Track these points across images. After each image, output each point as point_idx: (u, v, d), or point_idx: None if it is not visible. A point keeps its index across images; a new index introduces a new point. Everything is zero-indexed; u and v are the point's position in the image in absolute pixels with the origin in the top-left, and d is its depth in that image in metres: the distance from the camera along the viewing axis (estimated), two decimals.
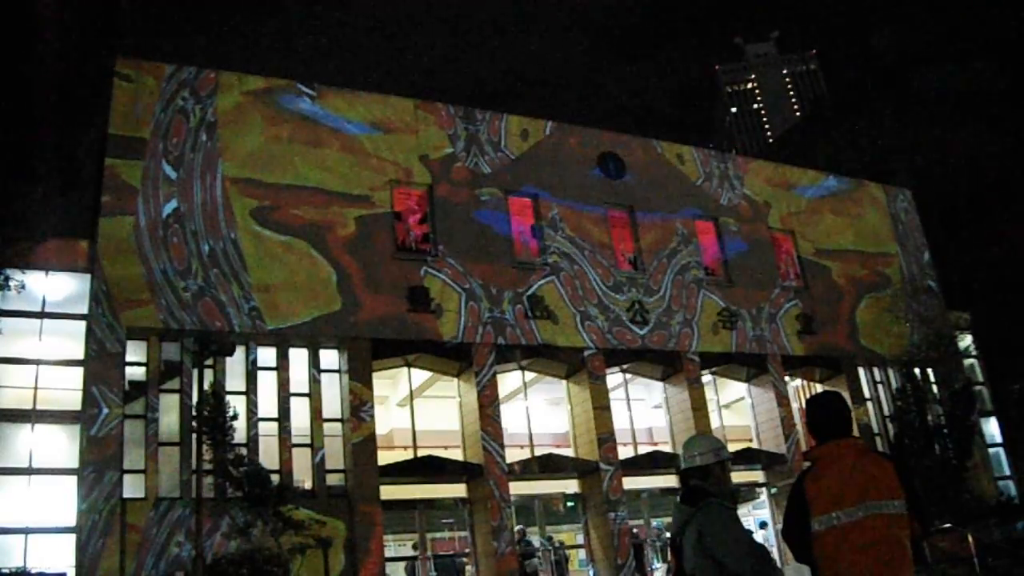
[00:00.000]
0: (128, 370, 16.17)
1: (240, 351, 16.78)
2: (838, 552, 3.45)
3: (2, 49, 13.14)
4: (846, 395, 23.20)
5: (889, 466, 3.54)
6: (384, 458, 17.86)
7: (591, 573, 19.69)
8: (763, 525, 21.60)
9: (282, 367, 17.53)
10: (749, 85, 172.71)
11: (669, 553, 4.47)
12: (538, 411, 21.80)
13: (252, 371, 17.17)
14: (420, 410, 19.62)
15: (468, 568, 18.58)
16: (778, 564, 18.31)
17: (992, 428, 27.30)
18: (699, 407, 21.50)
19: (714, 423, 22.84)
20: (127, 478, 15.34)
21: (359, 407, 17.63)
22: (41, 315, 16.62)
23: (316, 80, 21.24)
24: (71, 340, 16.58)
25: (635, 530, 20.33)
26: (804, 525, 3.58)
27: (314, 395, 17.67)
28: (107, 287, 16.19)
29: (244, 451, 15.90)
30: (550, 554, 19.44)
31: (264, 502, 14.91)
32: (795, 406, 23.51)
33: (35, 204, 14.98)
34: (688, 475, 4.24)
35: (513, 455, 19.38)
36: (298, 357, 17.86)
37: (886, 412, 24.71)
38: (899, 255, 27.69)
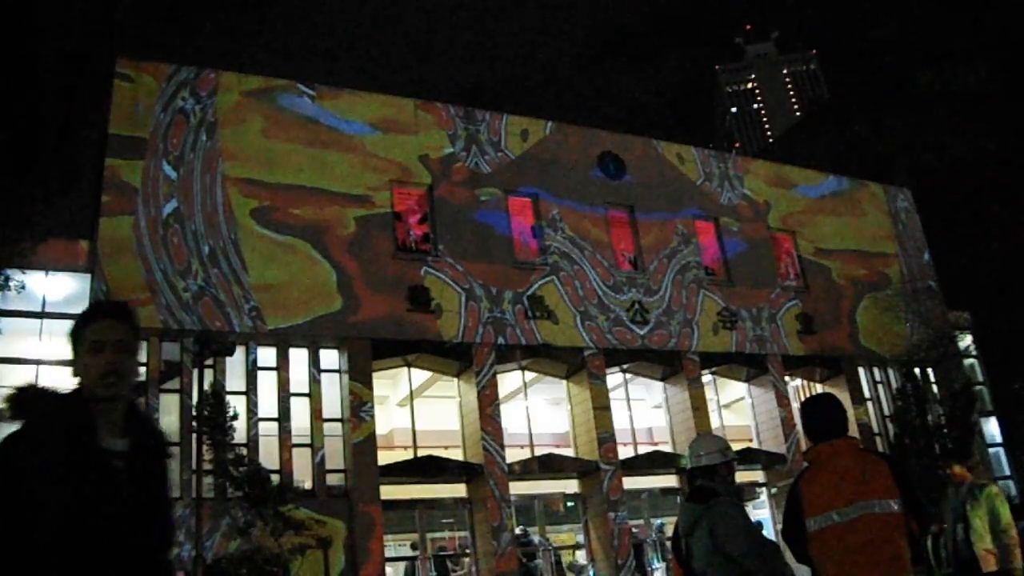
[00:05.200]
0: None
1: (240, 351, 16.78)
2: (833, 552, 3.46)
3: (2, 49, 13.15)
4: (846, 395, 23.21)
5: (884, 465, 3.55)
6: (384, 458, 17.86)
7: (591, 573, 19.69)
8: (760, 525, 21.57)
9: (282, 367, 17.54)
10: (749, 85, 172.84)
11: (671, 552, 4.47)
12: (538, 411, 21.79)
13: (252, 371, 17.18)
14: (420, 410, 19.62)
15: (460, 571, 18.56)
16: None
17: (992, 428, 27.30)
18: (699, 407, 21.50)
19: (714, 423, 22.83)
20: None
21: (359, 407, 17.63)
22: (41, 315, 16.63)
23: (316, 80, 21.24)
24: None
25: (635, 530, 20.33)
26: (801, 525, 3.59)
27: (314, 395, 17.67)
28: (107, 287, 16.19)
29: (244, 451, 15.91)
30: (551, 554, 19.44)
31: (264, 502, 14.92)
32: (795, 406, 23.47)
33: (35, 204, 14.98)
34: (694, 475, 4.25)
35: (513, 455, 19.38)
36: (298, 357, 17.86)
37: (886, 412, 24.71)
38: (899, 255, 27.69)
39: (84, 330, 2.30)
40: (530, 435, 20.73)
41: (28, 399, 2.23)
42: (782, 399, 22.94)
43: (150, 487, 2.27)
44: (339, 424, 17.77)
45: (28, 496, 2.02)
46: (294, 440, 17.17)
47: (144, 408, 2.64)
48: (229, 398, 15.83)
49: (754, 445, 23.09)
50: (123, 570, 2.12)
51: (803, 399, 23.79)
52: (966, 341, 27.14)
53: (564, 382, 21.28)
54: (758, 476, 22.74)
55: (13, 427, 2.15)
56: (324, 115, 19.69)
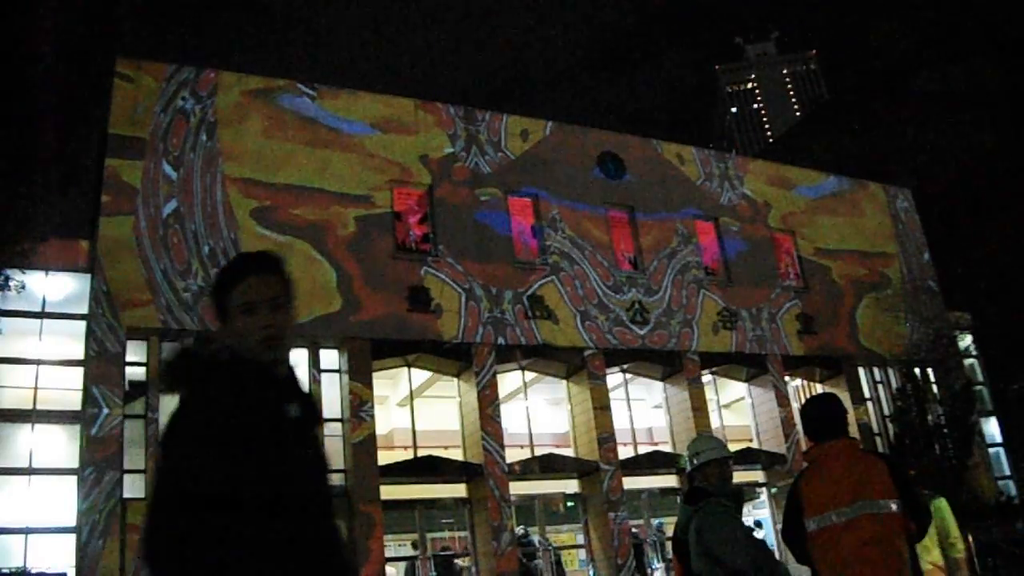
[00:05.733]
0: (128, 370, 16.16)
1: None
2: (832, 552, 3.46)
3: (2, 49, 13.15)
4: (846, 395, 23.20)
5: (883, 466, 3.55)
6: (384, 458, 17.86)
7: (591, 573, 19.69)
8: (758, 524, 21.54)
9: None
10: (749, 85, 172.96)
11: (672, 552, 4.50)
12: (538, 411, 21.80)
13: None
14: (420, 410, 19.63)
15: (462, 563, 18.58)
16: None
17: (992, 428, 27.30)
18: (699, 407, 21.50)
19: (714, 423, 22.84)
20: (127, 478, 15.33)
21: (359, 407, 17.63)
22: (41, 315, 16.63)
23: (316, 80, 21.24)
24: (71, 340, 16.58)
25: (635, 530, 20.33)
26: (800, 525, 3.60)
27: (314, 395, 17.62)
28: (107, 287, 16.19)
29: None
30: (550, 554, 19.45)
31: None
32: (795, 406, 23.46)
33: (35, 204, 14.98)
34: (692, 476, 4.30)
35: (513, 455, 19.38)
36: (298, 357, 17.86)
37: (886, 412, 24.71)
38: (899, 255, 27.68)
39: (231, 290, 2.04)
40: (530, 435, 20.73)
41: (196, 367, 1.99)
42: (782, 399, 22.94)
43: (321, 456, 2.12)
44: (339, 424, 17.77)
45: (227, 474, 1.82)
46: None
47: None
48: None
49: (754, 445, 23.09)
50: (323, 550, 1.97)
51: (803, 399, 23.84)
52: (966, 341, 27.14)
53: (564, 382, 21.28)
54: (758, 476, 22.74)
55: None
56: (324, 115, 19.69)
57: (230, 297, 2.04)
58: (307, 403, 2.11)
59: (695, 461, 4.23)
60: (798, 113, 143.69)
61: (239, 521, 1.82)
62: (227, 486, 1.82)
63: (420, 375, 20.05)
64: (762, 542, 3.98)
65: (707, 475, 4.13)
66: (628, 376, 22.41)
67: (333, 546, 2.02)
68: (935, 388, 24.76)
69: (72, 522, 14.91)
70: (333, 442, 17.56)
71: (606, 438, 20.06)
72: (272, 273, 2.08)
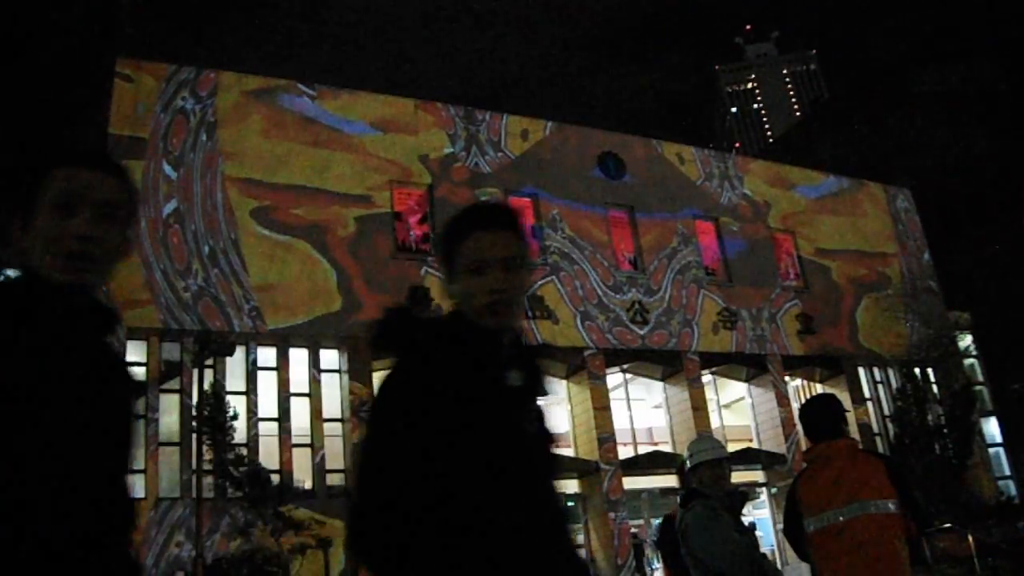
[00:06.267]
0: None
1: (240, 351, 16.79)
2: (831, 552, 3.47)
3: (3, 49, 13.17)
4: (846, 395, 23.20)
5: (880, 465, 3.55)
6: None
7: (591, 573, 19.68)
8: (752, 526, 21.46)
9: (282, 367, 17.54)
10: (749, 85, 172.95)
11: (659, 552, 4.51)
12: None
13: (252, 371, 17.18)
14: None
15: None
16: (776, 564, 18.32)
17: (992, 428, 27.31)
18: (699, 407, 21.51)
19: (714, 423, 22.84)
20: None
21: (359, 407, 17.62)
22: None
23: (316, 80, 21.26)
24: None
25: (635, 530, 20.33)
26: (800, 526, 3.61)
27: (314, 395, 17.67)
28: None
29: (244, 451, 15.92)
30: None
31: (264, 502, 14.93)
32: (795, 406, 23.48)
33: None
34: (688, 478, 4.31)
35: None
36: (298, 357, 17.87)
37: (886, 412, 24.71)
38: (899, 255, 27.69)
39: (460, 244, 1.80)
40: None
41: (414, 327, 1.81)
42: (782, 399, 22.95)
43: (544, 429, 1.85)
44: (339, 424, 17.78)
45: (443, 453, 1.63)
46: (294, 440, 17.17)
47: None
48: (229, 398, 15.83)
49: (754, 445, 23.09)
50: (549, 536, 1.71)
51: (803, 399, 23.83)
52: (966, 341, 27.15)
53: (564, 382, 21.28)
54: (758, 476, 22.74)
55: None
56: (324, 115, 19.70)
57: (458, 253, 1.81)
58: (533, 371, 1.85)
59: (689, 463, 4.24)
60: (798, 113, 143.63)
61: (457, 505, 1.62)
62: (443, 465, 1.63)
63: None
64: (746, 545, 3.97)
65: (701, 477, 4.13)
66: (628, 376, 22.42)
67: (559, 532, 1.76)
68: (935, 388, 24.77)
69: None
70: (333, 442, 17.58)
71: (606, 438, 20.06)
72: (508, 229, 1.82)
